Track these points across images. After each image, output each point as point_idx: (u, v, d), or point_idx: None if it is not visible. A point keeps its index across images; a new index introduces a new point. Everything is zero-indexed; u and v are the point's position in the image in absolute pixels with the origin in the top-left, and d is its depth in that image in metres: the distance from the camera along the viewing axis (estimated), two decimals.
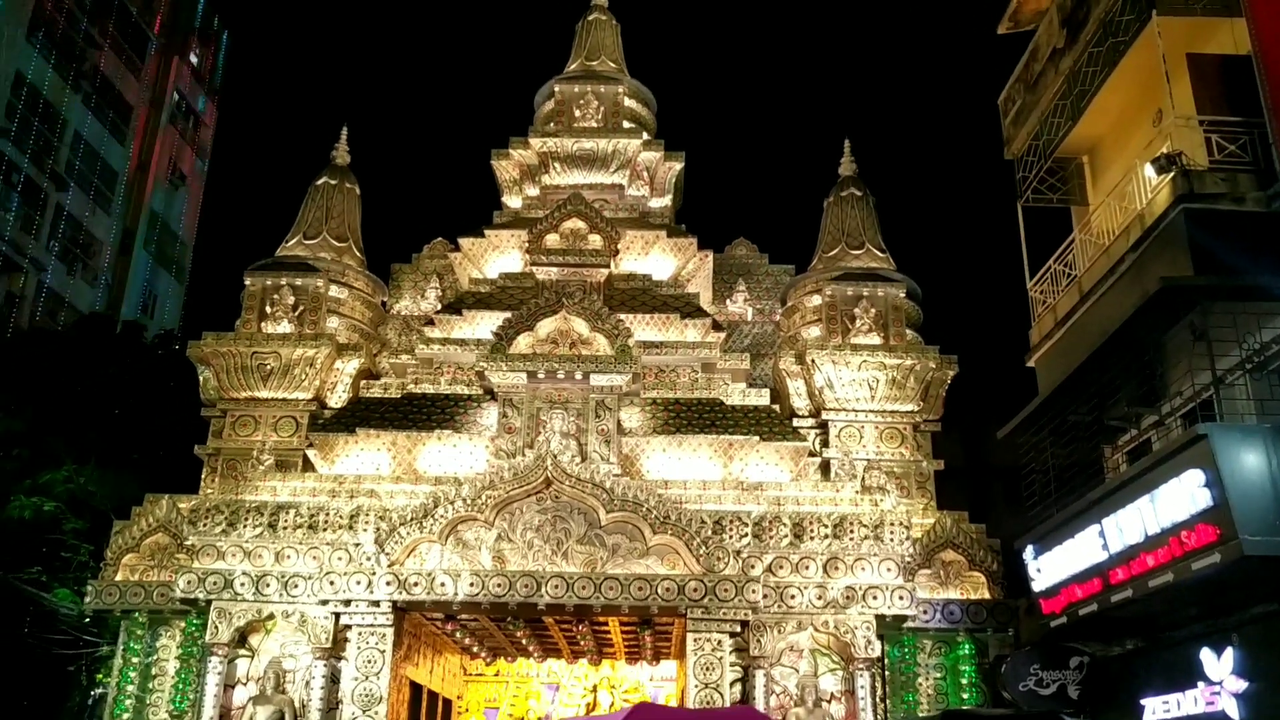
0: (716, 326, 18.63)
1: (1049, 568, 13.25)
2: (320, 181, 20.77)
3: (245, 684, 14.82)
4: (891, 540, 14.69)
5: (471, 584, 14.13)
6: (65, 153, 33.87)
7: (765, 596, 14.30)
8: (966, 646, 15.54)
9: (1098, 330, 12.94)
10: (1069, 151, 16.19)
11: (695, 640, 14.16)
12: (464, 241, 20.15)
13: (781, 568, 14.63)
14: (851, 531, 14.76)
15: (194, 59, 41.33)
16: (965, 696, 15.39)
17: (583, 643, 17.42)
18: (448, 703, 18.54)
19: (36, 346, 24.43)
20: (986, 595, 15.84)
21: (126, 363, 23.74)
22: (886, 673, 15.31)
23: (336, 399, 18.48)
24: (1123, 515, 11.19)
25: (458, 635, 16.70)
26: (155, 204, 38.82)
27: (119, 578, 15.98)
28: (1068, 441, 13.91)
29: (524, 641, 17.45)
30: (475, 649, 18.26)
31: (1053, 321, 14.91)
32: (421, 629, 16.02)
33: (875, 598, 14.44)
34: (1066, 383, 13.28)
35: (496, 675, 22.88)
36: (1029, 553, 13.74)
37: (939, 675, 15.77)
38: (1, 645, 22.60)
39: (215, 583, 14.47)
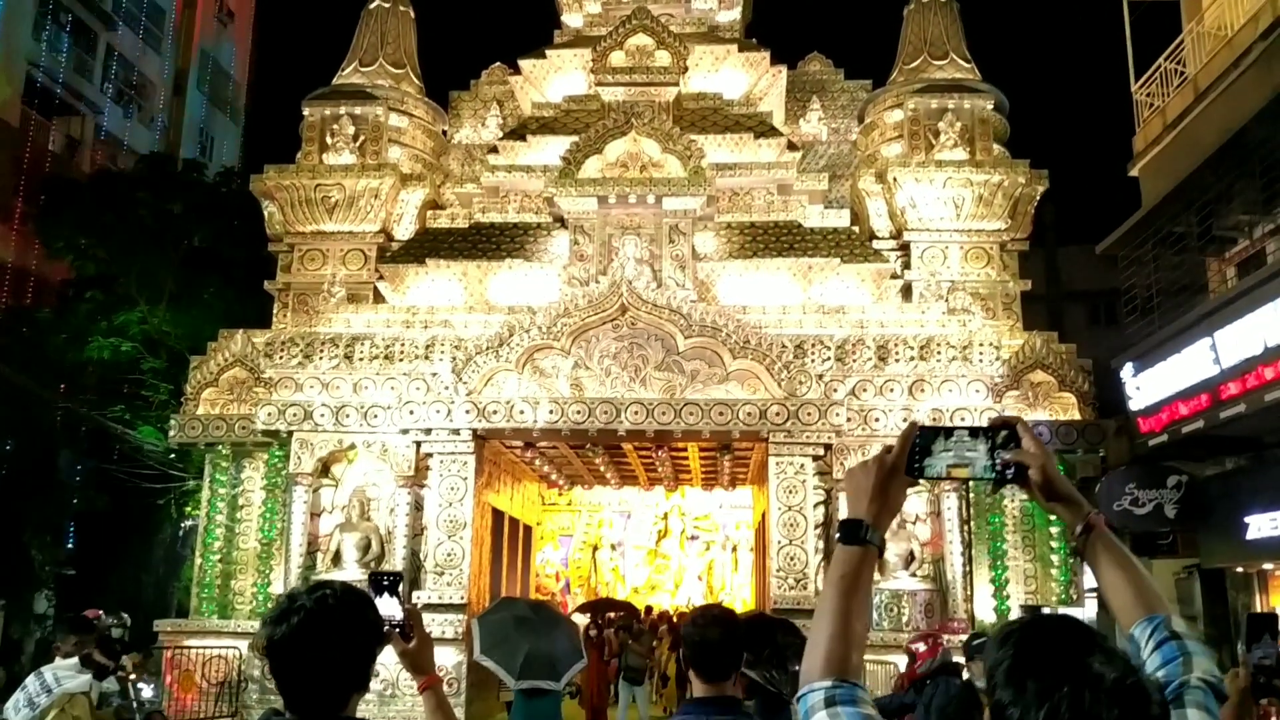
0: (791, 147, 17.81)
1: (1150, 385, 12.69)
2: (373, 5, 19.90)
3: (330, 512, 15.02)
4: (980, 362, 14.21)
5: (550, 411, 13.98)
6: None
7: (849, 420, 13.98)
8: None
9: (1214, 133, 12.00)
10: None
11: (778, 464, 13.96)
12: (524, 64, 19.31)
13: (865, 391, 14.26)
14: (938, 353, 14.29)
15: None
16: (1053, 518, 15.13)
17: (660, 470, 17.40)
18: (528, 529, 18.81)
19: (101, 188, 24.26)
20: (1077, 417, 15.39)
21: (189, 201, 23.52)
22: (971, 495, 15.07)
23: (403, 231, 18.12)
24: (1239, 326, 10.54)
25: (537, 463, 16.74)
26: (205, 43, 37.96)
27: (200, 412, 16.11)
28: (1176, 253, 13.15)
29: (602, 469, 17.48)
30: (554, 476, 18.37)
31: (1161, 125, 13.91)
32: (501, 457, 16.04)
33: (963, 420, 14.04)
34: (1177, 190, 12.42)
35: (569, 505, 23.19)
36: (1127, 370, 13.18)
37: (1024, 497, 15.49)
38: (95, 482, 23.33)
39: (295, 414, 14.49)
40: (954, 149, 17.41)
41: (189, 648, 14.57)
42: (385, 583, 2.66)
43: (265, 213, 18.18)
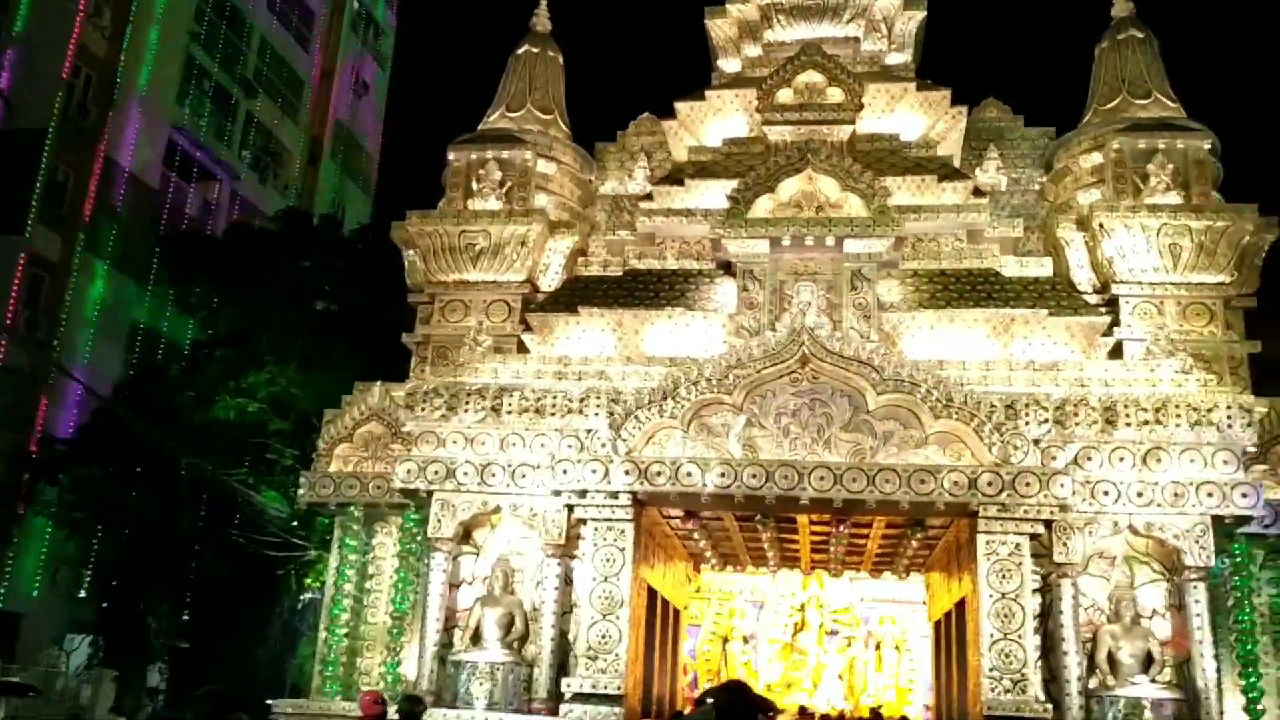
0: (978, 193, 16.06)
1: None
2: (521, 51, 18.98)
3: (470, 584, 13.47)
4: (1230, 427, 12.02)
5: (722, 474, 12.23)
6: (253, 59, 33.36)
7: (1074, 493, 11.90)
8: None
9: None
10: None
11: (988, 543, 11.91)
12: (680, 106, 18.05)
13: (1090, 459, 12.18)
14: (1177, 417, 12.16)
15: None
16: None
17: (833, 549, 15.42)
18: (678, 613, 16.93)
19: (236, 244, 23.80)
20: None
21: (324, 259, 22.81)
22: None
23: (549, 281, 16.85)
24: None
25: (695, 536, 14.94)
26: (340, 114, 38.25)
27: (332, 469, 14.84)
28: None
29: (765, 546, 15.57)
30: (708, 554, 16.54)
31: None
32: (655, 528, 14.31)
33: (1210, 495, 11.84)
34: None
35: (698, 591, 21.17)
36: None
37: (1274, 591, 13.16)
38: (215, 544, 22.38)
39: (437, 472, 13.05)
40: (1166, 193, 15.46)
41: None
42: None
43: (406, 262, 17.11)
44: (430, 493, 13.11)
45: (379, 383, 15.25)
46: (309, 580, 21.95)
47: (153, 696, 24.24)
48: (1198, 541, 11.82)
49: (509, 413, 13.23)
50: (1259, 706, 12.27)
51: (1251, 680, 12.34)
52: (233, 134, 32.34)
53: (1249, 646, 12.50)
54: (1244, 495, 11.79)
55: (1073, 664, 11.73)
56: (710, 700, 9.29)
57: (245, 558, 22.19)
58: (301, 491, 14.86)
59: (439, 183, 17.78)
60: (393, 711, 9.25)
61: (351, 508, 14.54)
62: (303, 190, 35.61)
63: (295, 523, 21.52)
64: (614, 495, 12.46)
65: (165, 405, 22.31)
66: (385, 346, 19.33)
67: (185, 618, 24.23)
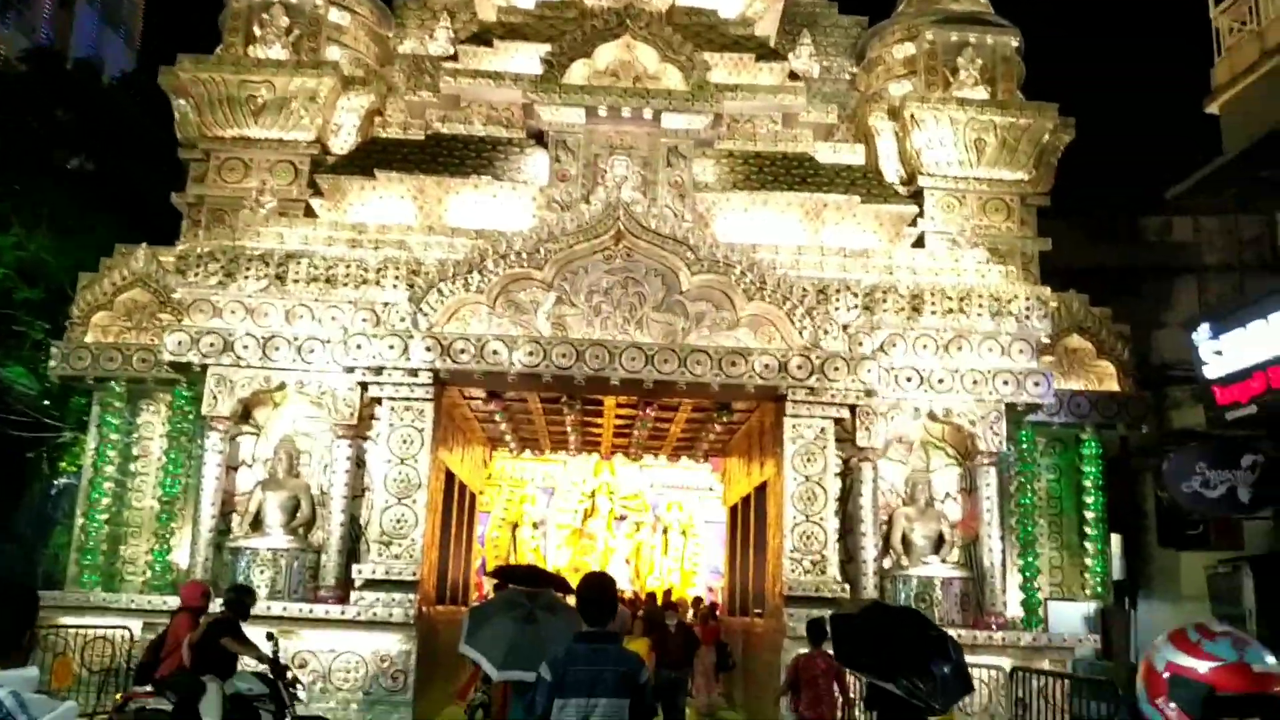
0: (793, 76, 15.71)
1: (1234, 350, 11.01)
2: None
3: (250, 466, 12.41)
4: (1028, 318, 12.31)
5: (530, 353, 11.59)
6: None
7: (879, 379, 11.94)
8: (1092, 445, 13.50)
9: None
10: None
11: (794, 427, 11.84)
12: None
13: (895, 346, 12.23)
14: (979, 306, 12.35)
15: None
16: (1088, 500, 13.44)
17: (636, 433, 15.14)
18: (474, 497, 16.34)
19: None
20: (1115, 388, 13.72)
21: (81, 108, 20.27)
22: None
23: (341, 143, 15.51)
24: None
25: (496, 419, 14.30)
26: None
27: (89, 339, 13.28)
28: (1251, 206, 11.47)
29: (568, 430, 15.13)
30: (507, 437, 15.94)
31: (1258, 52, 12.14)
32: (455, 409, 13.59)
33: (1005, 383, 12.14)
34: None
35: (489, 477, 20.75)
36: (1201, 333, 11.48)
37: (1052, 476, 13.85)
38: None
39: (213, 344, 11.80)
40: (975, 88, 15.59)
41: (65, 627, 11.78)
42: None
43: (177, 114, 15.31)
44: (205, 367, 11.87)
45: (143, 245, 13.67)
46: (63, 464, 20.09)
47: None
48: (991, 428, 12.14)
49: (296, 281, 12.07)
50: (1034, 584, 12.94)
51: (1029, 560, 12.98)
52: None
53: (1029, 528, 13.12)
54: (1036, 384, 12.15)
55: (869, 545, 11.92)
56: (507, 582, 8.98)
57: None
58: (53, 364, 13.27)
59: (214, 35, 15.96)
60: (218, 603, 8.88)
61: (112, 383, 13.09)
62: (55, 35, 31.75)
63: (47, 401, 19.52)
64: (413, 373, 11.63)
65: None
66: (152, 211, 17.48)
67: None
